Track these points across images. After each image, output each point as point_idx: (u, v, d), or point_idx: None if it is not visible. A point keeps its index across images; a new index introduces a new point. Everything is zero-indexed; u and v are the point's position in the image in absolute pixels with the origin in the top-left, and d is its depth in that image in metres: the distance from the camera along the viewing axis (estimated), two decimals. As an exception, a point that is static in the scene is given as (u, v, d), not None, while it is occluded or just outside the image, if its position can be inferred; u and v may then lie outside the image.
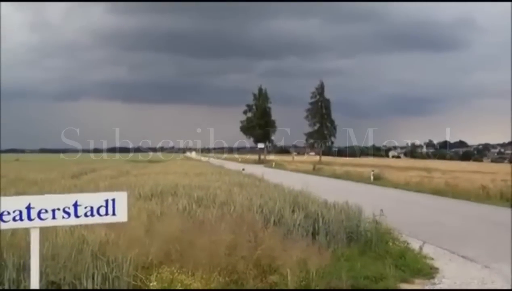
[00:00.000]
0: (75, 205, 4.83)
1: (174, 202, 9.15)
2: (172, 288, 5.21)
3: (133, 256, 5.53)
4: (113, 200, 4.94)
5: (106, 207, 4.93)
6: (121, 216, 5.00)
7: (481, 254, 9.15)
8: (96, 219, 4.95)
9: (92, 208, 4.88)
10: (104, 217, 4.95)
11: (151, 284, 5.27)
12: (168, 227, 6.48)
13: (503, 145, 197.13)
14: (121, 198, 5.00)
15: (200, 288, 5.31)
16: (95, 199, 4.94)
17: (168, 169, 28.81)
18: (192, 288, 5.26)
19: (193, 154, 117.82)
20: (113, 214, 4.94)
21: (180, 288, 5.20)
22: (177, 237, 6.22)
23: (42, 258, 5.03)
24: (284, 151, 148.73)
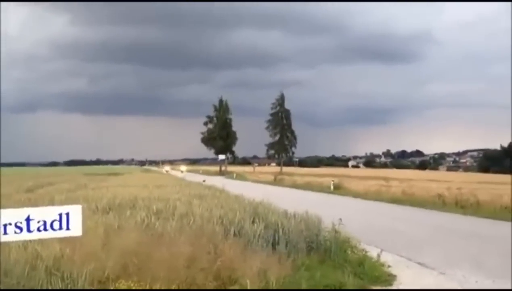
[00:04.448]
0: (28, 220, 4.69)
1: (132, 215, 9.01)
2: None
3: (89, 271, 5.40)
4: (67, 214, 4.83)
5: (60, 221, 4.81)
6: (76, 230, 4.88)
7: (437, 260, 9.36)
8: (50, 234, 4.82)
9: (45, 222, 4.76)
10: (58, 231, 4.83)
11: (108, 299, 5.16)
12: (126, 240, 6.37)
13: (457, 154, 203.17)
14: (76, 212, 4.89)
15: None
16: (48, 213, 4.82)
17: (128, 181, 28.37)
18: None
19: (183, 168, 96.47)
20: (67, 228, 4.83)
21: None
22: (135, 250, 6.11)
23: (-7, 275, 4.85)
24: (245, 161, 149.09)
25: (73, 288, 5.29)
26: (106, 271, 5.64)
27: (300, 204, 12.36)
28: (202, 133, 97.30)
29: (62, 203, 11.33)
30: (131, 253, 6.02)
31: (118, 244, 6.23)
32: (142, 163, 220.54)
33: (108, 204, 11.04)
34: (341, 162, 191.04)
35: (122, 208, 10.29)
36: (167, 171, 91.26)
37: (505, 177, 67.38)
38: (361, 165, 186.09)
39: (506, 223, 15.66)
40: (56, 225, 4.78)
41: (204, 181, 31.07)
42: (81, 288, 5.30)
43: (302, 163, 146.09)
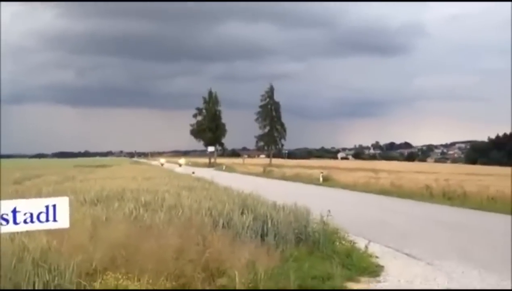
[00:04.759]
0: (14, 211, 4.66)
1: (120, 207, 8.96)
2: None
3: (76, 263, 5.36)
4: (54, 206, 4.79)
5: (47, 213, 4.77)
6: (63, 222, 4.86)
7: (424, 251, 9.44)
8: (37, 226, 4.78)
9: (32, 214, 4.72)
10: (45, 223, 4.80)
11: (95, 291, 5.14)
12: (114, 232, 6.33)
13: (445, 146, 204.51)
14: (63, 204, 4.86)
15: (146, 294, 5.22)
16: (35, 205, 4.78)
17: (116, 173, 28.24)
18: (138, 294, 5.17)
19: (182, 161, 77.21)
20: (54, 220, 4.80)
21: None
22: (123, 242, 6.09)
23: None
24: (235, 153, 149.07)
25: (60, 280, 5.26)
26: (93, 263, 5.62)
27: (289, 196, 12.39)
28: (192, 125, 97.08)
29: (49, 195, 11.22)
30: (119, 245, 6.00)
31: (105, 236, 6.19)
32: (131, 155, 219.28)
33: (96, 196, 10.97)
34: (331, 153, 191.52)
35: (110, 200, 10.23)
36: (162, 164, 76.73)
37: (492, 169, 68.20)
38: (350, 157, 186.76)
39: (493, 214, 15.86)
40: (43, 217, 4.75)
41: (193, 172, 31.04)
42: (69, 280, 5.28)
43: (292, 154, 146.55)
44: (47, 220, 4.78)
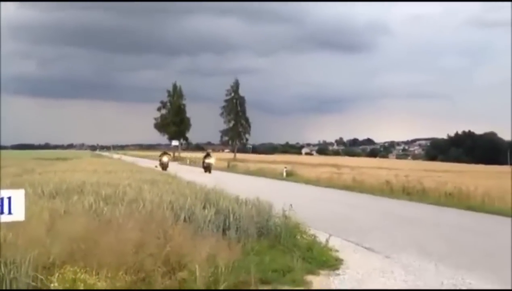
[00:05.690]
0: (-33, 204, 4.52)
1: (79, 200, 8.79)
2: (74, 288, 5.02)
3: (33, 256, 5.26)
4: (9, 198, 4.68)
5: (2, 205, 4.66)
6: (18, 215, 4.75)
7: (383, 245, 9.65)
8: (-9, 218, 4.66)
9: (-15, 207, 4.60)
10: None
11: (52, 284, 5.04)
12: (72, 225, 6.22)
13: (407, 142, 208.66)
14: (18, 196, 4.76)
15: (105, 287, 5.16)
16: (-11, 197, 4.66)
17: (77, 166, 27.72)
18: (96, 288, 5.10)
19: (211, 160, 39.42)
20: (9, 212, 4.68)
21: (83, 288, 5.02)
22: (82, 235, 5.99)
23: None
24: (199, 148, 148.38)
25: (15, 274, 5.15)
26: (51, 256, 5.51)
27: (252, 190, 12.44)
28: (156, 119, 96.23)
29: (7, 187, 10.94)
30: (77, 238, 5.90)
31: (64, 229, 6.08)
32: (93, 148, 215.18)
33: (55, 188, 10.73)
34: (295, 149, 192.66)
35: (70, 193, 10.02)
36: (164, 165, 36.43)
37: (451, 165, 70.34)
38: (314, 152, 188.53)
39: (450, 210, 16.32)
40: (-3, 209, 4.64)
41: (156, 166, 30.80)
42: (25, 274, 5.17)
43: (256, 149, 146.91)
44: (2, 213, 4.67)
